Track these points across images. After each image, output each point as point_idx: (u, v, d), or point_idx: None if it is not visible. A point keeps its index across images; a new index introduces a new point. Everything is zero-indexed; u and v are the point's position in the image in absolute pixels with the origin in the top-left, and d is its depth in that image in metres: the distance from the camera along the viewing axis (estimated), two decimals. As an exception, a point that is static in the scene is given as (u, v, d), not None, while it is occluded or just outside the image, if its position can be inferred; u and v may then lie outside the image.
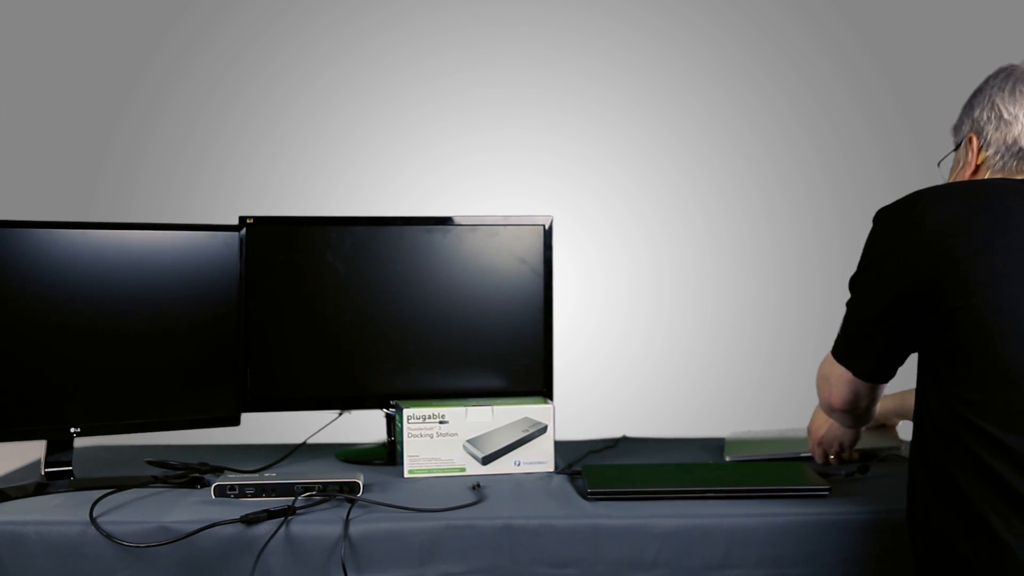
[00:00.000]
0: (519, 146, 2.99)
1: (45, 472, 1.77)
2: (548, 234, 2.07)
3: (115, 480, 1.75)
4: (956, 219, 1.40)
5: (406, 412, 1.83)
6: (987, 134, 1.56)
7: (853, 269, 1.53)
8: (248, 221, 1.98)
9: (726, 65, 3.02)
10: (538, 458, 1.86)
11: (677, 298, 3.02)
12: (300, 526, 1.56)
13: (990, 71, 1.59)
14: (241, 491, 1.66)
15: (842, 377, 1.56)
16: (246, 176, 2.96)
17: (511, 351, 2.07)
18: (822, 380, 1.62)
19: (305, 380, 2.02)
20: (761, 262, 3.01)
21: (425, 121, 3.00)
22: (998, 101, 1.55)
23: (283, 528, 1.54)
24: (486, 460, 1.84)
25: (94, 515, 1.56)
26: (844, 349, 1.55)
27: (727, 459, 1.96)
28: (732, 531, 1.57)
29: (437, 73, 3.00)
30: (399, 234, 2.04)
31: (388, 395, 2.03)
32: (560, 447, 1.92)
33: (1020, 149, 1.53)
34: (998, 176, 1.54)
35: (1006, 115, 1.54)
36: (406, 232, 2.04)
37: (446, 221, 2.06)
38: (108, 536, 1.53)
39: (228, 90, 2.98)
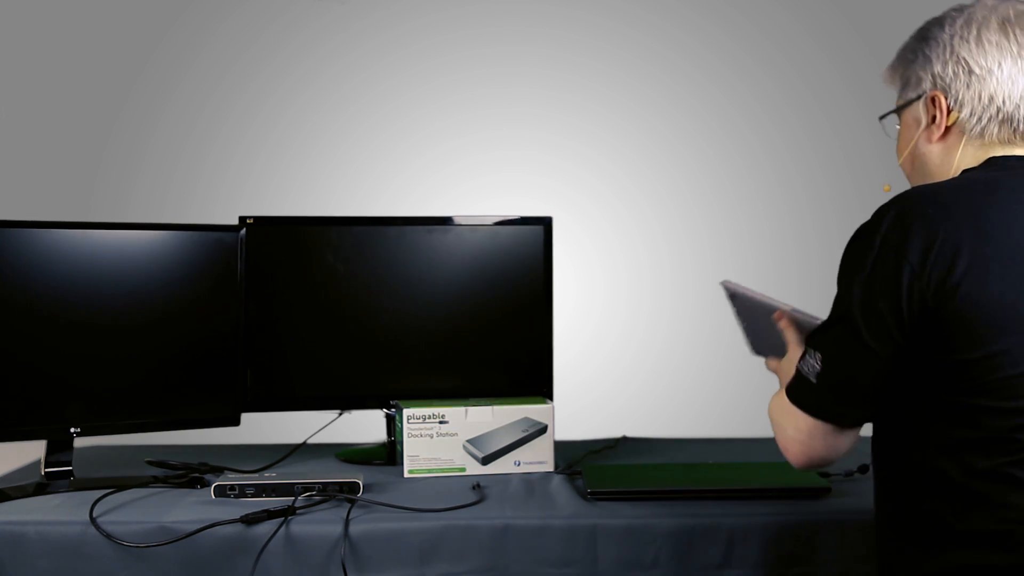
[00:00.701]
0: (519, 146, 2.99)
1: (45, 472, 1.77)
2: (548, 234, 2.07)
3: (115, 480, 1.75)
4: (954, 240, 1.22)
5: (406, 412, 1.83)
6: (956, 92, 1.34)
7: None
8: (248, 221, 1.98)
9: (726, 65, 3.02)
10: (538, 458, 1.86)
11: (677, 298, 3.02)
12: (300, 526, 1.56)
13: None
14: (241, 491, 1.66)
15: (814, 429, 1.32)
16: (246, 176, 2.96)
17: (511, 351, 2.07)
18: (777, 428, 1.39)
19: (305, 380, 2.02)
20: (761, 262, 3.01)
21: (425, 121, 3.00)
22: (963, 53, 1.33)
23: (283, 528, 1.54)
24: (486, 460, 1.84)
25: (94, 515, 1.56)
26: (819, 397, 1.31)
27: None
28: (732, 531, 1.57)
29: (437, 73, 3.00)
30: (399, 234, 2.04)
31: (388, 395, 2.03)
32: (560, 447, 1.92)
33: (999, 110, 1.32)
34: (976, 142, 1.35)
35: (976, 69, 1.32)
36: (406, 232, 2.04)
37: (446, 221, 2.06)
38: (108, 536, 1.53)
39: (228, 90, 2.97)
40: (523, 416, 1.87)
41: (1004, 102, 1.32)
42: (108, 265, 1.81)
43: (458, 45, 3.00)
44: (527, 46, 3.00)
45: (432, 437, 1.84)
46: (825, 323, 1.32)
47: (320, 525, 1.56)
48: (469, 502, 1.64)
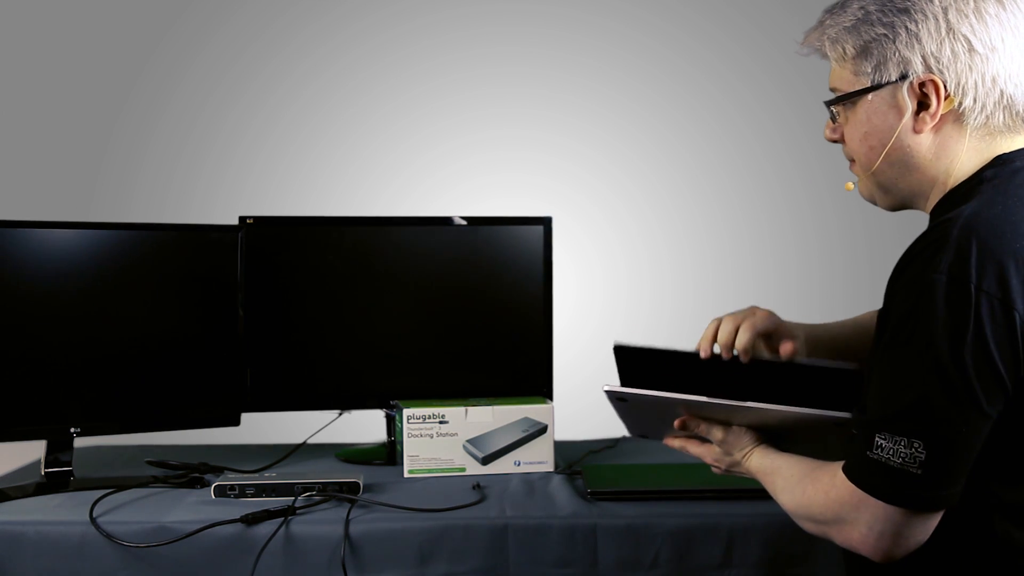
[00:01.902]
0: (519, 146, 2.99)
1: (45, 472, 1.77)
2: (548, 234, 2.07)
3: (115, 480, 1.75)
4: None
5: (406, 412, 1.83)
6: (959, 75, 1.14)
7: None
8: (248, 221, 1.98)
9: (726, 65, 3.02)
10: (538, 458, 1.86)
11: (677, 298, 3.02)
12: (300, 526, 1.56)
13: None
14: (241, 491, 1.66)
15: (914, 519, 1.12)
16: (246, 176, 2.96)
17: (511, 351, 2.07)
18: (838, 525, 1.18)
19: (305, 380, 2.02)
20: (761, 261, 3.01)
21: (425, 121, 3.00)
22: (963, 28, 1.14)
23: (283, 528, 1.54)
24: (486, 460, 1.84)
25: (94, 515, 1.56)
26: (930, 488, 1.10)
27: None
28: (732, 531, 1.57)
29: (437, 73, 3.00)
30: (399, 234, 2.04)
31: (388, 395, 2.03)
32: (560, 447, 1.92)
33: (1003, 93, 1.15)
34: (978, 133, 1.17)
35: (979, 47, 1.13)
36: (406, 232, 2.04)
37: (446, 221, 2.06)
38: (108, 536, 1.53)
39: (228, 90, 2.97)
40: (523, 416, 1.87)
41: (1006, 84, 1.15)
42: (108, 265, 1.81)
43: (458, 45, 3.00)
44: (527, 46, 3.00)
45: (432, 437, 1.84)
46: (918, 399, 1.09)
47: (320, 525, 1.56)
48: (469, 502, 1.64)
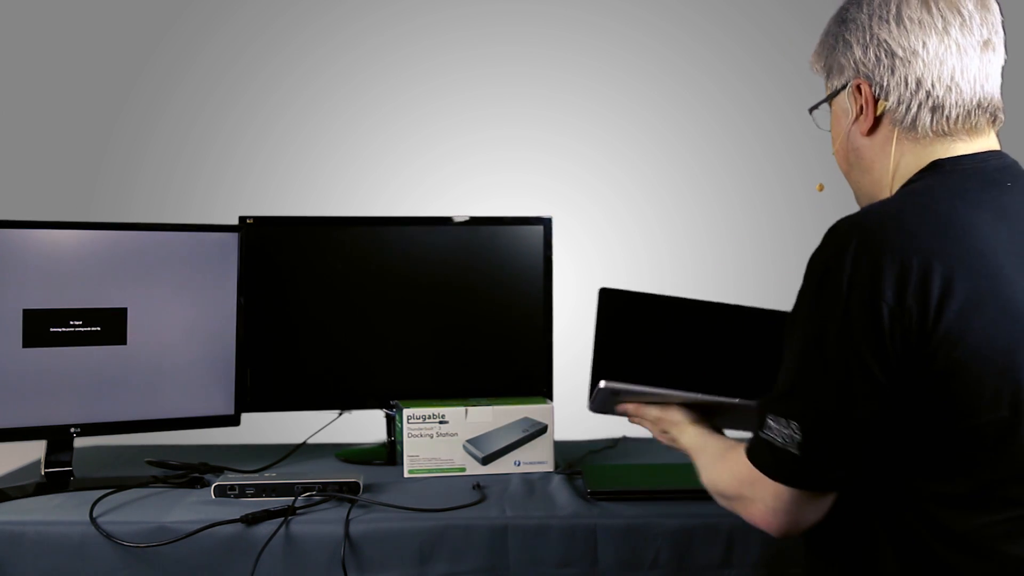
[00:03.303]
0: (519, 146, 2.99)
1: (45, 472, 1.78)
2: (548, 234, 2.07)
3: (115, 480, 1.75)
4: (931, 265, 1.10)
5: (406, 412, 1.83)
6: (880, 79, 1.22)
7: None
8: (248, 221, 1.98)
9: (726, 65, 3.02)
10: (538, 458, 1.86)
11: (677, 298, 3.02)
12: (300, 526, 1.56)
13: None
14: (241, 491, 1.66)
15: (800, 498, 1.19)
16: (246, 176, 2.96)
17: (511, 351, 2.07)
18: (741, 502, 1.26)
19: (305, 380, 2.02)
20: (761, 261, 3.01)
21: (425, 121, 3.00)
22: (883, 35, 1.21)
23: (283, 528, 1.54)
24: (486, 460, 1.84)
25: (94, 515, 1.56)
26: (809, 468, 1.17)
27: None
28: (732, 531, 1.57)
29: (437, 73, 3.00)
30: (399, 234, 2.04)
31: (388, 395, 2.03)
32: (560, 447, 1.92)
33: (928, 94, 1.20)
34: (911, 135, 1.23)
35: (899, 51, 1.20)
36: (406, 232, 2.04)
37: (446, 221, 2.06)
38: (108, 536, 1.53)
39: (228, 90, 2.97)
40: (523, 416, 1.87)
41: (933, 85, 1.20)
42: (108, 265, 1.81)
43: (458, 45, 3.00)
44: (527, 46, 3.00)
45: (432, 437, 1.84)
46: (791, 383, 1.17)
47: (320, 525, 1.56)
48: (469, 502, 1.64)
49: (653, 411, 1.51)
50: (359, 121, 3.01)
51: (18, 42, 2.91)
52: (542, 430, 1.87)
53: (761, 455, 1.20)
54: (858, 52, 1.24)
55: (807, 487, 1.18)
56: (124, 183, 2.94)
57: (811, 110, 1.37)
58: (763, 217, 3.05)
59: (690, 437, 1.45)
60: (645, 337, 1.56)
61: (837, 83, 1.29)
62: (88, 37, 2.93)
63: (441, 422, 1.84)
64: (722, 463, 1.31)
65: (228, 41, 2.97)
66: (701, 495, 1.65)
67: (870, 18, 1.23)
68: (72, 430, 1.79)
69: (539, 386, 2.06)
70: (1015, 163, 1.26)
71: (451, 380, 2.05)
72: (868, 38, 1.23)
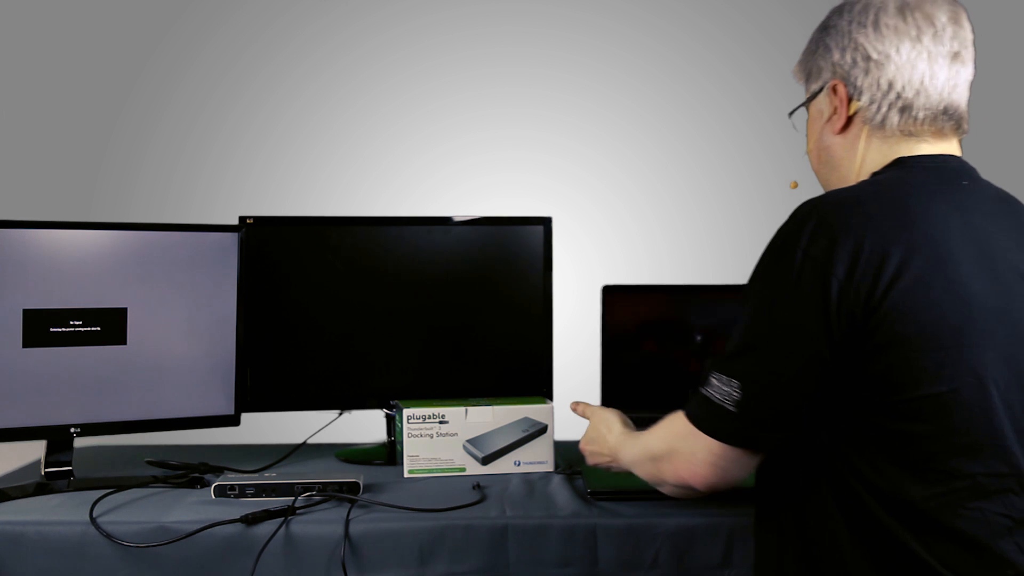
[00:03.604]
0: (519, 146, 2.99)
1: (45, 472, 1.77)
2: (548, 234, 2.07)
3: (115, 480, 1.75)
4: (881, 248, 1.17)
5: (406, 412, 1.83)
6: (855, 79, 1.31)
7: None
8: (248, 221, 1.98)
9: (726, 65, 3.02)
10: (538, 458, 1.86)
11: (677, 298, 3.02)
12: (300, 526, 1.56)
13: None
14: (241, 491, 1.66)
15: (730, 454, 1.26)
16: (246, 176, 2.96)
17: (511, 351, 2.07)
18: (674, 454, 1.31)
19: (305, 380, 2.02)
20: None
21: (425, 121, 3.00)
22: (860, 39, 1.30)
23: (283, 528, 1.54)
24: (486, 460, 1.84)
25: (94, 515, 1.56)
26: (741, 426, 1.23)
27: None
28: (732, 531, 1.57)
29: (437, 73, 3.00)
30: (399, 234, 2.04)
31: (388, 395, 2.03)
32: (560, 447, 1.92)
33: (898, 96, 1.28)
34: (879, 134, 1.31)
35: (874, 55, 1.29)
36: (406, 232, 2.04)
37: (446, 221, 2.06)
38: (108, 536, 1.53)
39: (228, 90, 2.97)
40: (523, 416, 1.87)
41: (904, 88, 1.29)
42: (108, 265, 1.81)
43: (458, 45, 3.00)
44: (527, 46, 3.00)
45: (432, 437, 1.84)
46: (739, 346, 1.24)
47: (320, 525, 1.56)
48: (469, 502, 1.64)
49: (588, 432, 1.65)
50: (359, 121, 3.01)
51: (18, 42, 2.91)
52: (542, 430, 1.87)
53: (698, 410, 1.27)
54: (836, 55, 1.32)
55: (736, 444, 1.24)
56: (124, 183, 2.94)
57: (791, 113, 1.46)
58: (763, 217, 3.03)
59: (618, 432, 1.56)
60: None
61: (815, 86, 1.37)
62: (88, 37, 2.93)
63: (441, 422, 1.84)
64: (655, 427, 1.38)
65: (228, 41, 2.97)
66: (701, 495, 1.66)
67: (850, 24, 1.31)
68: (72, 430, 1.79)
69: (539, 386, 2.06)
70: (973, 168, 1.32)
71: (451, 380, 2.05)
72: (847, 42, 1.31)
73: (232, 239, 1.91)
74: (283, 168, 2.98)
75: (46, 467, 1.78)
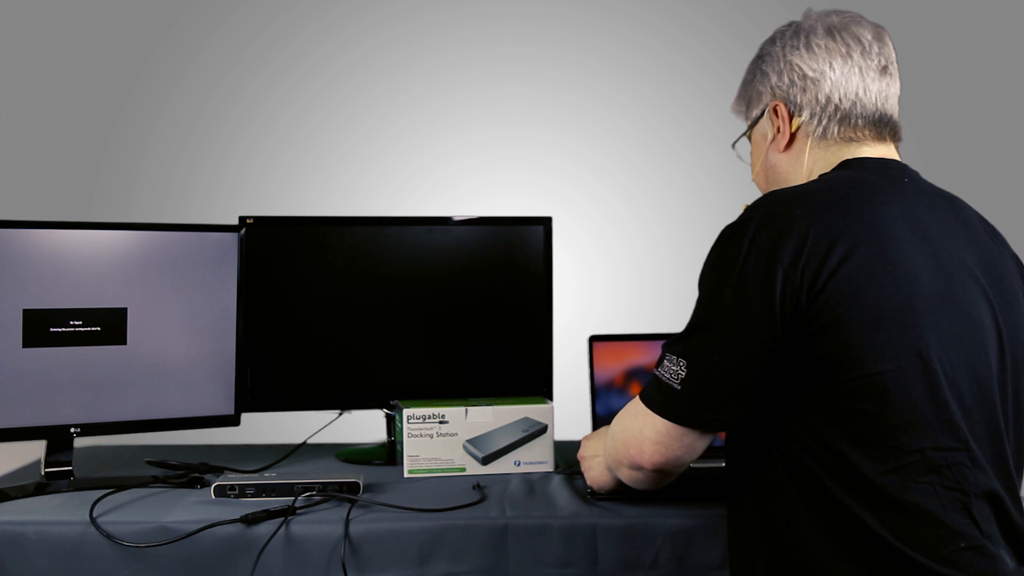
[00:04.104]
0: (519, 146, 2.99)
1: (45, 472, 1.78)
2: (548, 234, 2.08)
3: (115, 480, 1.75)
4: (824, 240, 1.23)
5: (406, 412, 1.83)
6: (794, 98, 1.40)
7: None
8: (248, 221, 1.98)
9: (726, 65, 3.02)
10: (538, 458, 1.86)
11: (677, 298, 3.01)
12: (300, 526, 1.56)
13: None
14: (241, 491, 1.66)
15: (673, 432, 1.32)
16: (246, 176, 2.96)
17: (511, 351, 2.07)
18: (623, 432, 1.39)
19: (305, 380, 2.02)
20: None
21: (425, 121, 3.00)
22: (795, 60, 1.39)
23: (283, 528, 1.54)
24: (486, 460, 1.84)
25: (94, 515, 1.56)
26: (685, 404, 1.30)
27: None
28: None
29: (437, 73, 3.00)
30: (399, 234, 2.04)
31: (388, 395, 2.03)
32: (560, 447, 1.92)
33: (837, 108, 1.37)
34: (821, 144, 1.39)
35: (810, 72, 1.38)
36: (406, 232, 2.04)
37: (446, 221, 2.06)
38: (108, 536, 1.53)
39: (228, 90, 2.98)
40: (523, 416, 1.87)
41: (841, 100, 1.37)
42: (108, 265, 1.81)
43: (458, 45, 3.00)
44: (527, 46, 3.01)
45: (432, 437, 1.84)
46: (689, 328, 1.31)
47: (320, 525, 1.56)
48: (469, 502, 1.64)
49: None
50: (359, 121, 3.01)
51: (18, 42, 2.91)
52: (542, 430, 1.87)
53: (648, 389, 1.34)
54: (774, 79, 1.42)
55: (679, 422, 1.30)
56: (124, 183, 2.94)
57: (733, 144, 1.55)
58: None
59: (602, 432, 1.60)
60: None
61: (756, 111, 1.46)
62: (88, 37, 2.93)
63: (441, 422, 1.84)
64: (617, 416, 1.44)
65: (228, 41, 2.97)
66: (701, 495, 1.66)
67: (783, 48, 1.41)
68: (72, 430, 1.79)
69: (539, 386, 2.06)
70: (915, 171, 1.39)
71: (451, 380, 2.05)
72: (783, 65, 1.40)
73: (232, 239, 1.91)
74: (283, 168, 2.98)
75: (46, 467, 1.78)
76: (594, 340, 1.95)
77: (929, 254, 1.26)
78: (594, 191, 3.03)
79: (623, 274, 3.05)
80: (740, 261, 1.24)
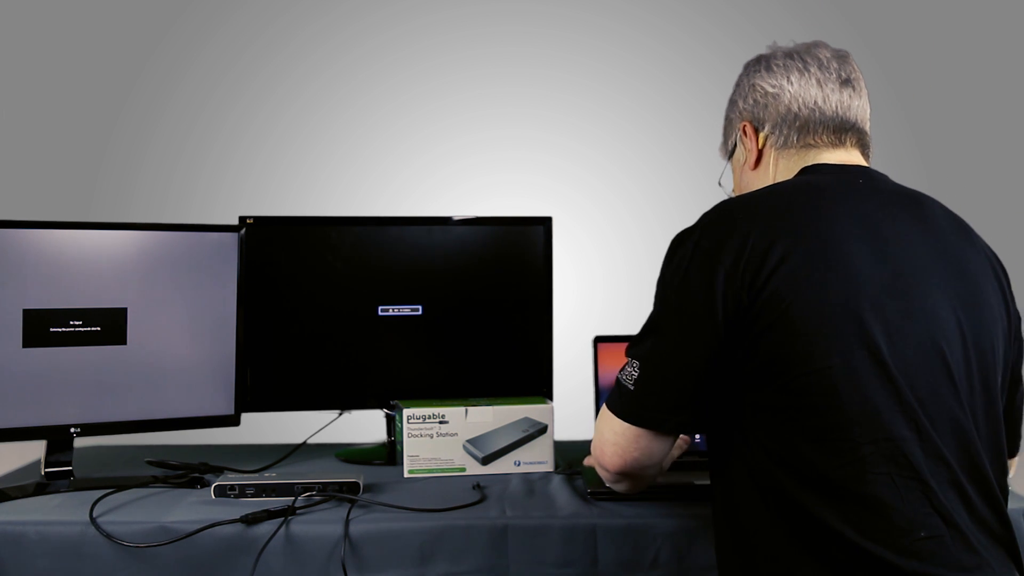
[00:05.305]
0: (519, 146, 2.99)
1: (45, 472, 1.77)
2: (548, 234, 2.07)
3: (115, 480, 1.75)
4: (770, 244, 1.26)
5: (406, 412, 1.83)
6: (759, 115, 1.47)
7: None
8: (248, 221, 1.98)
9: (726, 65, 3.01)
10: (538, 458, 1.86)
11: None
12: (300, 526, 1.56)
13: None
14: (241, 491, 1.66)
15: (628, 432, 1.35)
16: (246, 176, 2.96)
17: (511, 351, 2.07)
18: (595, 435, 1.43)
19: (305, 380, 2.02)
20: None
21: (425, 121, 3.00)
22: (757, 81, 1.47)
23: (283, 528, 1.54)
24: (486, 460, 1.84)
25: (94, 515, 1.56)
26: (636, 404, 1.33)
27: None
28: (732, 531, 1.57)
29: (437, 73, 3.01)
30: (399, 234, 2.04)
31: (388, 395, 2.03)
32: (560, 447, 1.92)
33: (796, 116, 1.43)
34: (784, 153, 1.45)
35: (770, 88, 1.45)
36: (406, 232, 2.04)
37: (446, 221, 2.06)
38: (108, 536, 1.53)
39: (228, 90, 2.98)
40: (523, 416, 1.87)
41: (800, 109, 1.43)
42: (108, 265, 1.81)
43: (457, 45, 3.01)
44: (527, 46, 3.01)
45: (432, 437, 1.84)
46: (642, 331, 1.36)
47: (320, 525, 1.56)
48: (469, 502, 1.64)
49: None
50: (359, 121, 3.01)
51: (18, 42, 2.92)
52: (542, 430, 1.87)
53: (611, 392, 1.38)
54: (741, 103, 1.50)
55: (633, 422, 1.34)
56: (124, 183, 2.94)
57: (720, 179, 1.60)
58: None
59: None
60: None
61: (733, 139, 1.53)
62: (88, 37, 2.93)
63: (441, 422, 1.84)
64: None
65: (228, 41, 2.97)
66: (701, 495, 1.66)
67: (747, 75, 1.49)
68: (72, 430, 1.79)
69: (539, 386, 2.06)
70: (883, 175, 1.42)
71: (451, 380, 2.05)
72: (747, 89, 1.48)
73: (232, 239, 1.91)
74: (283, 168, 2.98)
75: (46, 467, 1.78)
76: (599, 341, 1.95)
77: (877, 249, 1.28)
78: (594, 191, 3.03)
79: (623, 274, 3.05)
80: (685, 265, 1.31)
